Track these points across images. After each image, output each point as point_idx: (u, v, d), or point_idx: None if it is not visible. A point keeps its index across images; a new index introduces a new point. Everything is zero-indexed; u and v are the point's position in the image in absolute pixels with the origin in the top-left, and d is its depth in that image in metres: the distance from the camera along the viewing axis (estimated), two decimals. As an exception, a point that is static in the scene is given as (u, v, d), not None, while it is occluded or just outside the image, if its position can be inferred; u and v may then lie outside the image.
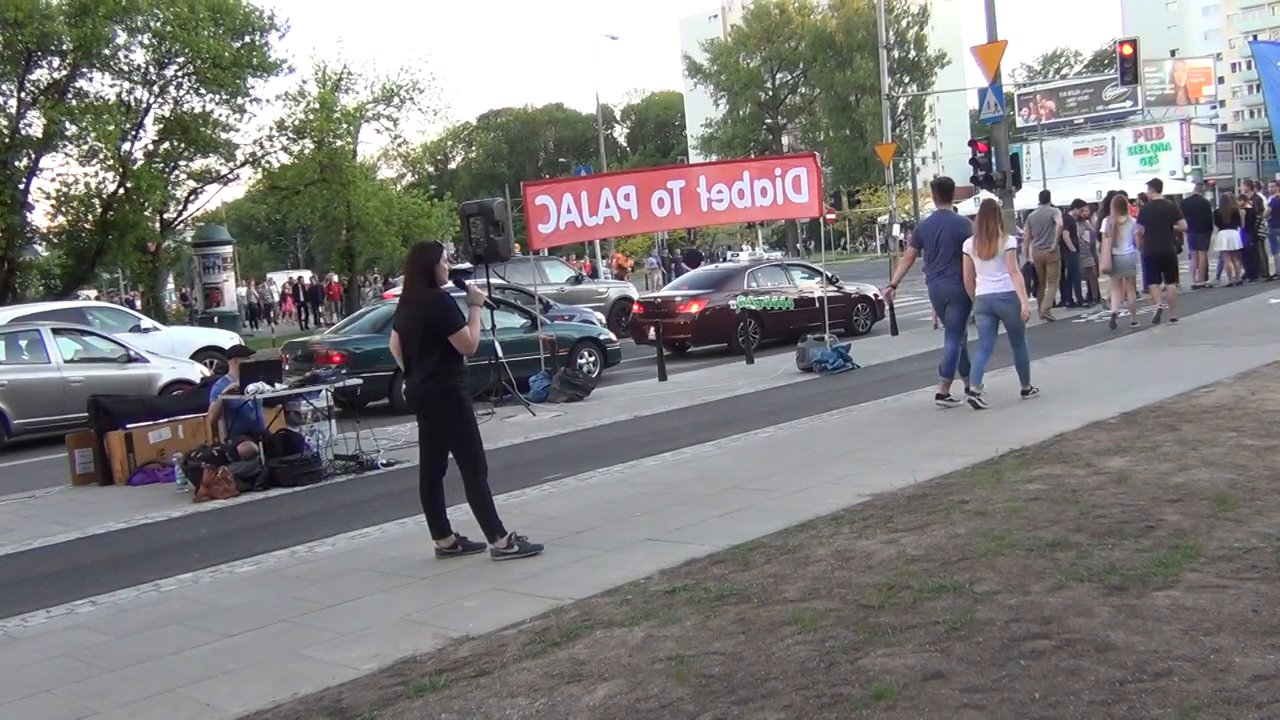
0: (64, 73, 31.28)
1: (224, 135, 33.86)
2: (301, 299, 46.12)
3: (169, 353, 17.44)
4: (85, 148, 31.44)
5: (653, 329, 17.79)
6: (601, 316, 21.82)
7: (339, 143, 36.06)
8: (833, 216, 75.33)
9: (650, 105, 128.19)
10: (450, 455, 6.93)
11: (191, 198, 35.60)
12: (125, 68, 32.42)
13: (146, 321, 20.41)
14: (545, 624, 5.40)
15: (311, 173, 35.13)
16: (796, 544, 6.32)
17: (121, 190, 31.68)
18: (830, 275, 20.73)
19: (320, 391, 11.21)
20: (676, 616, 5.26)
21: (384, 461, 10.78)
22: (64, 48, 30.07)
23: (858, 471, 8.21)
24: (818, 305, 17.91)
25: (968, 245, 10.46)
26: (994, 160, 21.67)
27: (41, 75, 31.21)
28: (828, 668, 4.41)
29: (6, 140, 30.33)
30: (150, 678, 5.26)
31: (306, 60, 64.30)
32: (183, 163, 34.10)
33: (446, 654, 5.14)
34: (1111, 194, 17.42)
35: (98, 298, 44.95)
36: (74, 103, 30.81)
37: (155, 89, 32.73)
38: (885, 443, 9.37)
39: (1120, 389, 10.61)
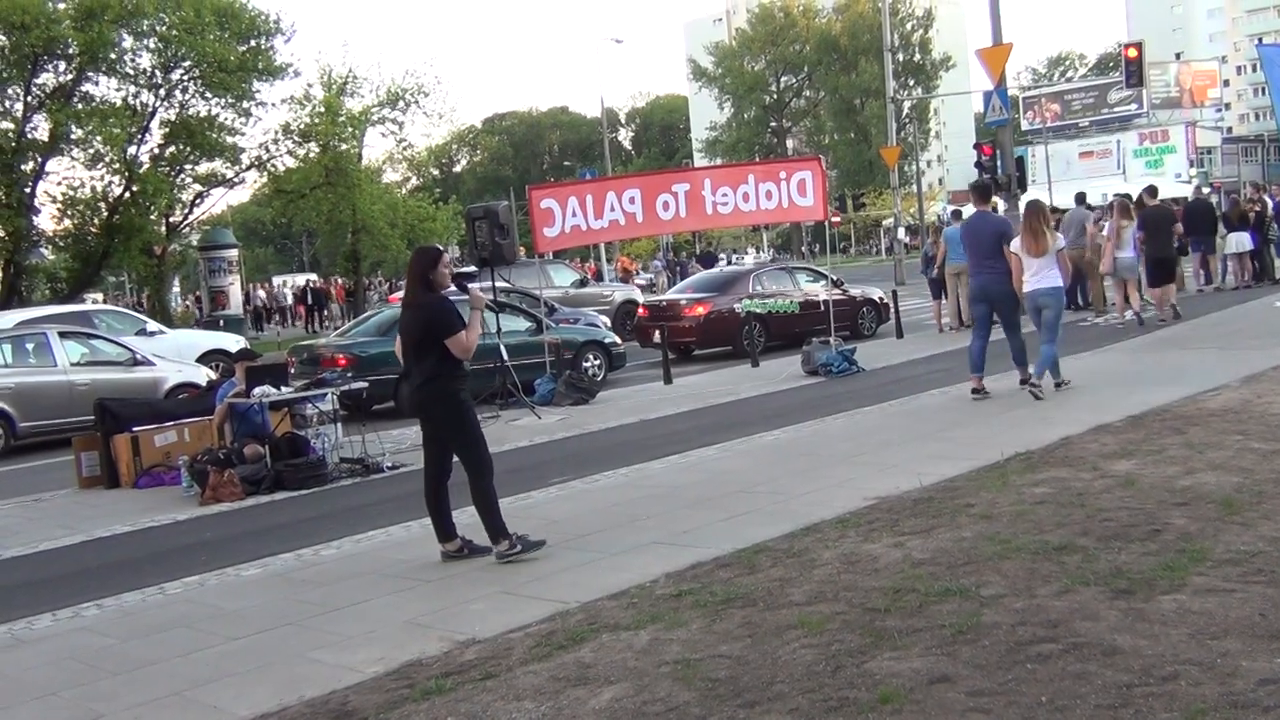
0: (70, 76, 31.34)
1: (229, 139, 33.91)
2: (309, 302, 46.19)
3: (175, 356, 17.45)
4: (91, 151, 31.49)
5: (658, 332, 17.80)
6: (606, 319, 21.83)
7: (344, 146, 36.09)
8: (838, 220, 75.28)
9: (655, 109, 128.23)
10: (455, 458, 6.94)
11: (197, 201, 35.65)
12: (131, 71, 32.49)
13: (152, 325, 20.44)
14: (551, 627, 5.40)
15: (317, 176, 35.18)
16: (802, 547, 6.31)
17: (127, 194, 31.72)
18: (835, 278, 20.71)
19: (326, 395, 11.23)
20: (683, 620, 5.26)
21: (389, 465, 10.79)
22: (70, 52, 30.12)
23: (863, 475, 8.20)
24: (823, 308, 17.91)
25: (1016, 244, 10.87)
26: (999, 163, 21.66)
27: (48, 79, 31.28)
28: (834, 671, 4.40)
29: (13, 144, 30.38)
30: (157, 681, 5.27)
31: (312, 64, 64.54)
32: (188, 166, 34.15)
33: (452, 657, 5.14)
34: (1116, 197, 17.55)
35: (103, 301, 44.99)
36: (80, 106, 30.87)
37: (161, 93, 32.79)
38: (890, 446, 9.36)
39: (1126, 392, 10.60)
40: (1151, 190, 18.85)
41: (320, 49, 72.62)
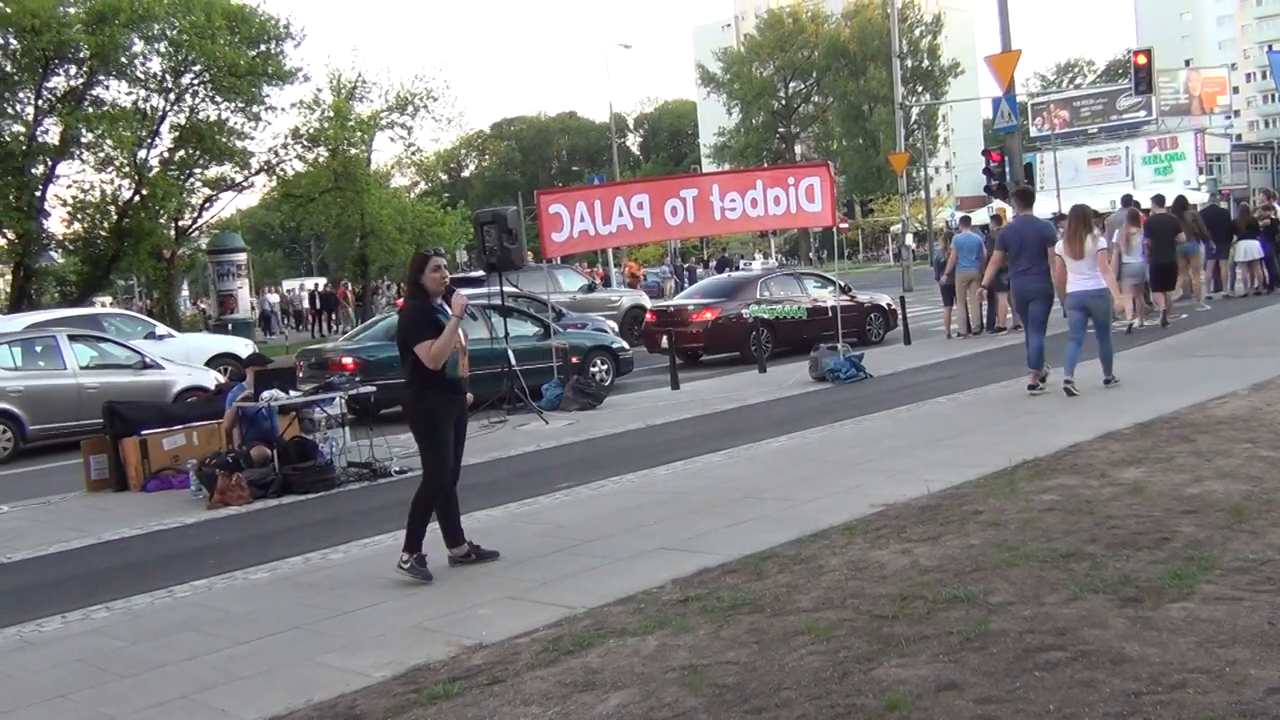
0: (81, 80, 31.47)
1: (239, 143, 34.04)
2: (317, 306, 46.31)
3: (184, 359, 17.50)
4: (101, 155, 31.63)
5: (665, 338, 17.80)
6: (614, 325, 21.83)
7: (353, 151, 36.21)
8: (846, 226, 75.26)
9: (663, 114, 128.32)
10: (460, 463, 6.95)
11: (206, 205, 35.78)
12: (142, 75, 32.64)
13: (161, 328, 20.49)
14: (558, 632, 5.40)
15: (326, 180, 35.29)
16: (809, 554, 6.31)
17: (137, 197, 31.84)
18: (843, 284, 20.71)
19: (334, 399, 11.25)
20: (689, 626, 5.26)
21: (397, 469, 10.80)
22: (81, 55, 30.26)
23: (870, 481, 8.19)
24: (831, 314, 17.90)
25: (1059, 247, 11.33)
26: (1007, 170, 21.68)
27: (59, 83, 31.41)
28: (841, 678, 4.40)
29: (24, 147, 30.51)
30: (165, 684, 5.28)
31: (321, 69, 64.83)
32: (198, 170, 34.28)
33: (460, 662, 5.15)
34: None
35: (113, 305, 45.12)
36: (90, 110, 30.98)
37: (171, 97, 32.93)
38: (898, 452, 9.35)
39: (1134, 399, 10.57)
40: (1159, 199, 19.08)
41: (330, 54, 73.39)
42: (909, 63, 73.54)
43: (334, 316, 45.15)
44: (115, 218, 32.18)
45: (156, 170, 32.23)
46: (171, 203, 31.99)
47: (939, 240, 23.12)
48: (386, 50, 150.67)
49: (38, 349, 15.49)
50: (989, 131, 65.21)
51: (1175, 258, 17.70)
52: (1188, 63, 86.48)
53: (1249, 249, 21.42)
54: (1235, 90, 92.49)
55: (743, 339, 19.04)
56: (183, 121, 33.20)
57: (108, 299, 48.06)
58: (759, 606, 5.44)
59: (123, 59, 31.20)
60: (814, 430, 11.07)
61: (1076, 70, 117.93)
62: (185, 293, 51.80)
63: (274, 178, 36.55)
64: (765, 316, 18.56)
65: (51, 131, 31.36)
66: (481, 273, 20.82)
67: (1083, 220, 11.32)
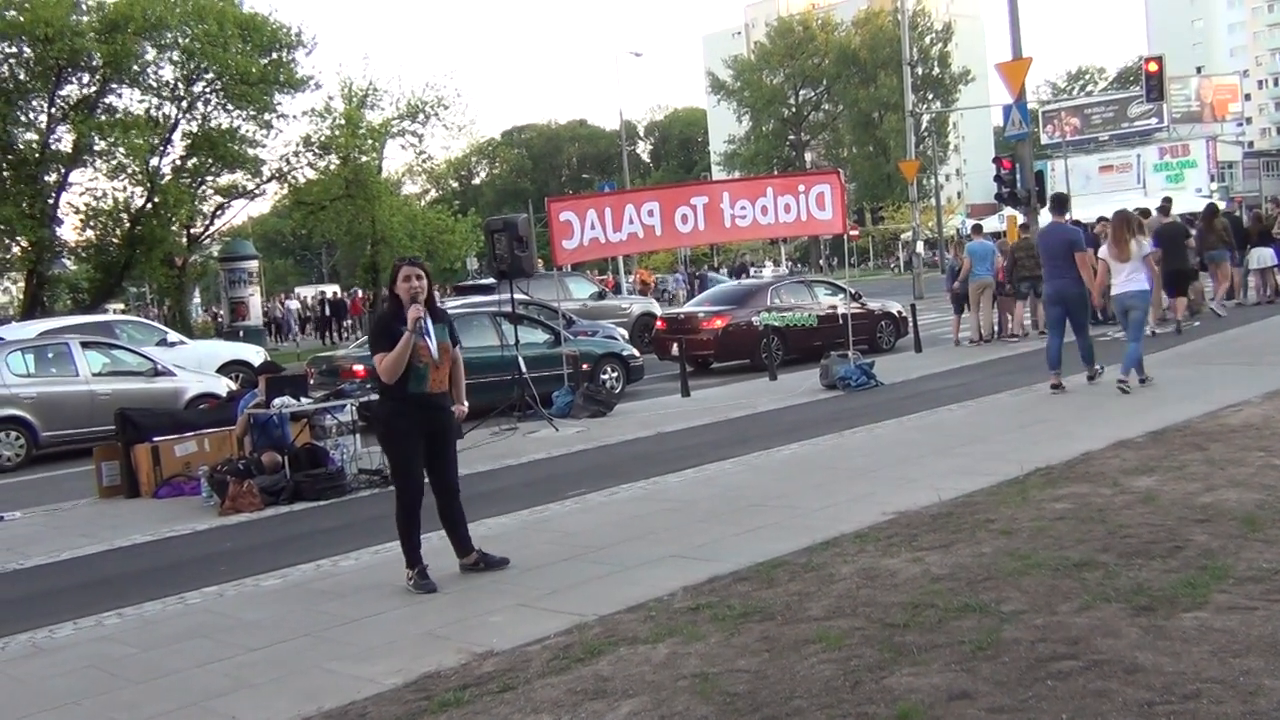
0: (94, 88, 31.63)
1: (250, 151, 34.17)
2: (327, 314, 46.46)
3: (195, 366, 17.57)
4: (114, 163, 31.78)
5: (676, 345, 17.79)
6: (624, 332, 21.86)
7: (364, 158, 36.30)
8: (856, 233, 75.22)
9: (673, 121, 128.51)
10: (452, 475, 6.85)
11: (218, 213, 35.95)
12: (154, 84, 32.78)
13: (173, 335, 20.56)
14: (569, 640, 5.39)
15: (337, 188, 35.40)
16: (820, 562, 6.30)
17: (149, 205, 31.98)
18: (854, 292, 20.69)
19: (345, 406, 11.27)
20: (700, 634, 5.25)
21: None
22: (94, 64, 30.41)
23: (882, 489, 8.18)
24: (841, 322, 17.88)
25: (1103, 250, 11.90)
26: (1019, 177, 21.63)
27: (71, 91, 31.59)
28: (853, 687, 4.39)
29: (37, 155, 30.68)
30: (176, 690, 5.29)
31: (333, 77, 64.99)
32: (209, 178, 34.43)
33: (470, 669, 5.14)
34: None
35: (125, 312, 45.30)
36: (103, 118, 31.13)
37: (183, 105, 33.07)
38: (909, 460, 9.33)
39: (1147, 407, 10.54)
40: (1165, 208, 19.13)
41: (341, 62, 73.67)
42: (919, 70, 73.42)
43: (344, 324, 45.27)
44: (127, 225, 32.33)
45: (168, 178, 32.36)
46: (183, 210, 32.11)
47: (949, 248, 23.13)
48: (398, 58, 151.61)
49: (50, 356, 15.56)
50: (1000, 139, 64.97)
51: (1187, 264, 17.71)
52: (1199, 70, 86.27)
53: (1262, 256, 21.35)
54: (1247, 97, 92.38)
55: (753, 346, 19.02)
56: (195, 129, 33.36)
57: (120, 306, 48.21)
58: (770, 614, 5.42)
59: (135, 67, 31.35)
60: (825, 438, 11.05)
61: (1088, 77, 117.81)
62: (197, 300, 51.97)
63: (285, 185, 36.70)
64: (776, 324, 18.54)
65: (64, 139, 31.55)
66: (492, 280, 20.87)
67: (1127, 224, 11.67)
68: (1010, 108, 21.77)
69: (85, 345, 15.72)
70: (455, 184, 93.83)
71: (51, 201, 31.24)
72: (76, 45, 28.91)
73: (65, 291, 34.57)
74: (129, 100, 32.79)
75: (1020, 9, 21.64)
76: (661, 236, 16.28)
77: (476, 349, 14.59)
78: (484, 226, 18.61)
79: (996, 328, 19.51)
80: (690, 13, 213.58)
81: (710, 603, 5.72)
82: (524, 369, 14.23)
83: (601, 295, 26.86)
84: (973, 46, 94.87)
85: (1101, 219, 21.09)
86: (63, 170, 31.57)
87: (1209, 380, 12.10)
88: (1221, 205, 31.80)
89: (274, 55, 33.45)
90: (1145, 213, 18.52)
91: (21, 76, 30.33)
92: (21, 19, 28.45)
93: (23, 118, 31.04)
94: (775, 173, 66.35)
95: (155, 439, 11.44)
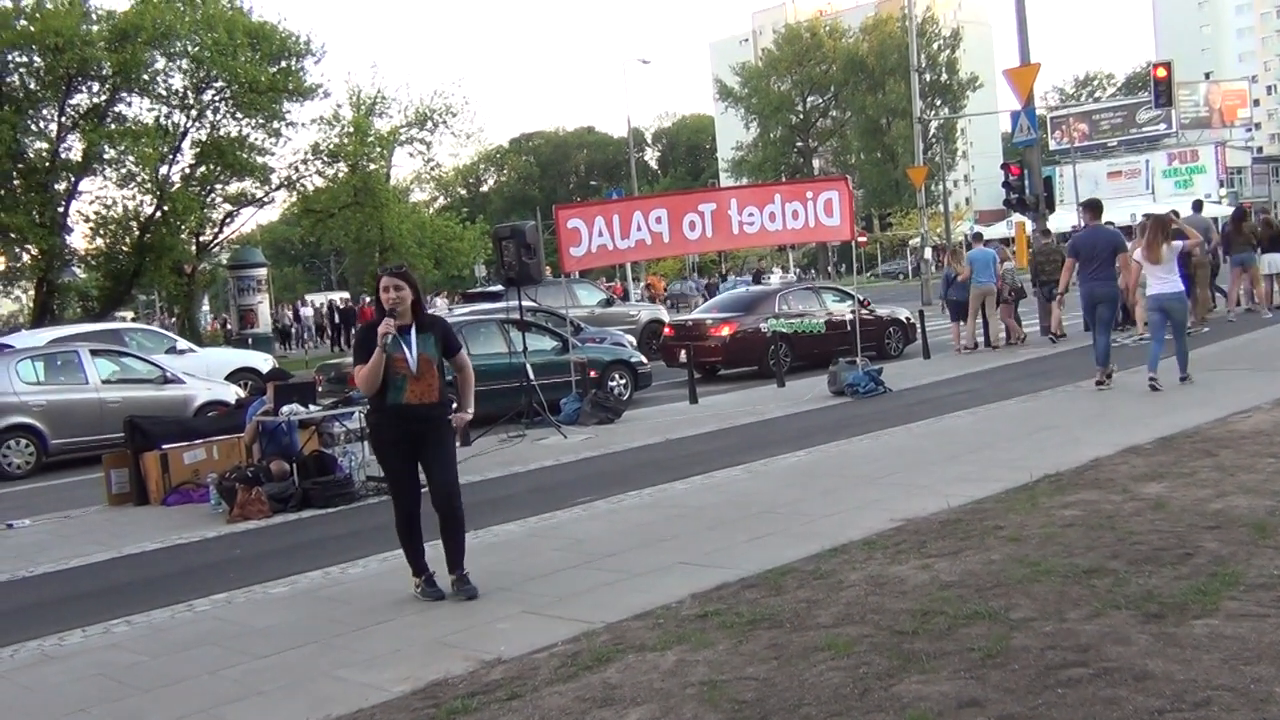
0: (103, 97, 31.78)
1: (259, 159, 34.31)
2: (336, 321, 46.55)
3: (204, 374, 17.59)
4: (123, 171, 31.93)
5: (684, 352, 17.79)
6: (632, 339, 21.84)
7: (373, 166, 36.43)
8: (864, 239, 75.18)
9: (681, 128, 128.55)
10: (444, 486, 6.63)
11: (227, 220, 36.09)
12: (164, 92, 32.93)
13: (182, 343, 20.61)
14: (577, 647, 5.39)
15: (345, 196, 35.51)
16: (829, 569, 6.28)
17: (158, 213, 32.10)
18: (862, 298, 20.67)
19: (353, 413, 11.28)
20: (709, 641, 5.24)
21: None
22: (104, 73, 30.55)
23: (890, 496, 8.16)
24: (849, 328, 17.85)
25: (1138, 253, 12.17)
26: (1027, 183, 21.58)
27: (81, 100, 31.73)
28: (861, 694, 4.37)
29: (47, 164, 30.82)
30: (185, 698, 5.30)
31: (341, 85, 65.15)
32: (219, 186, 34.57)
33: (478, 677, 5.14)
34: (1147, 216, 17.65)
35: (134, 319, 45.44)
36: (113, 127, 31.28)
37: (193, 113, 33.21)
38: (917, 467, 9.31)
39: (1156, 414, 10.51)
40: (1175, 213, 19.18)
41: (350, 70, 74.00)
42: (927, 77, 73.48)
43: (353, 331, 45.34)
44: (137, 233, 32.46)
45: (178, 186, 32.50)
46: (192, 218, 32.26)
47: (941, 256, 23.16)
48: (406, 66, 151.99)
49: (60, 364, 15.60)
50: (1008, 145, 64.97)
51: (1192, 268, 17.72)
52: (1208, 75, 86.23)
53: (1273, 262, 21.27)
54: (1256, 103, 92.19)
55: (761, 353, 19.01)
56: (204, 137, 33.49)
57: (129, 314, 48.37)
58: (778, 622, 5.41)
59: (145, 76, 31.50)
60: (833, 445, 11.04)
61: (1096, 83, 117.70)
62: (206, 308, 52.11)
63: (294, 193, 36.82)
64: (783, 330, 18.52)
65: (74, 148, 31.70)
66: (500, 287, 20.88)
67: (1161, 228, 11.96)
68: (1018, 114, 21.74)
69: (94, 353, 15.75)
70: (463, 191, 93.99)
71: (61, 210, 31.39)
72: (87, 54, 29.05)
73: (75, 299, 34.70)
74: (139, 109, 33.04)
75: (1028, 15, 21.64)
76: (669, 243, 16.27)
77: (484, 356, 14.61)
78: (492, 234, 18.65)
79: (1004, 334, 19.48)
80: (698, 20, 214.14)
81: (718, 610, 5.71)
82: (532, 376, 14.23)
83: (609, 302, 26.86)
84: (981, 52, 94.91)
85: (1146, 216, 21.27)
86: (73, 179, 31.71)
87: (1218, 386, 12.06)
88: (1229, 211, 31.76)
89: (283, 63, 33.58)
90: (1176, 214, 18.73)
91: (32, 86, 30.50)
92: (32, 29, 28.62)
93: (33, 126, 31.21)
94: (783, 179, 66.32)
95: (164, 446, 11.46)
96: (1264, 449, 8.35)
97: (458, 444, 7.27)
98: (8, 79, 30.06)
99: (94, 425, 14.74)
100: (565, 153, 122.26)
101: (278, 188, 36.03)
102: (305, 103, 34.66)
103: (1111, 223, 18.59)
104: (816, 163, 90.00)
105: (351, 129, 35.63)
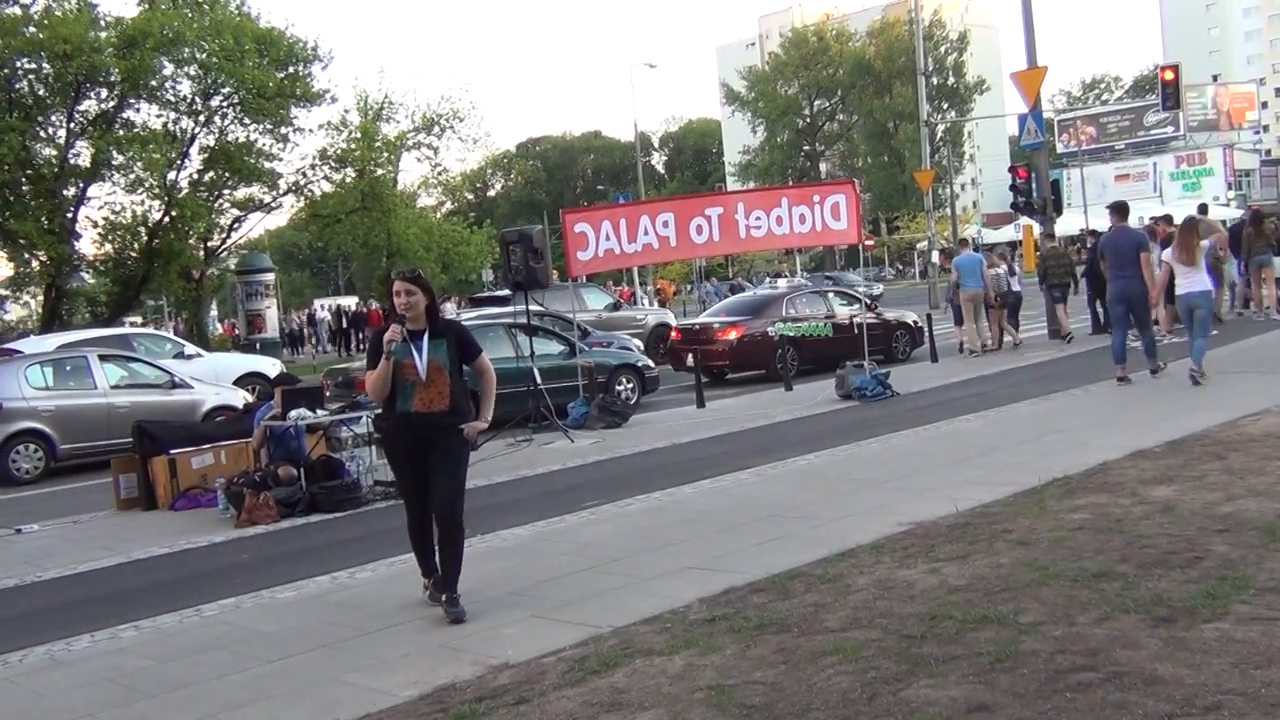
0: (112, 104, 31.83)
1: (267, 164, 34.34)
2: (345, 325, 46.66)
3: (212, 379, 17.63)
4: (132, 177, 31.95)
5: (691, 356, 17.78)
6: (640, 343, 21.84)
7: (380, 171, 36.47)
8: (871, 243, 75.11)
9: (688, 132, 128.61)
10: (446, 494, 6.45)
11: (235, 226, 36.11)
12: (171, 98, 32.99)
13: (190, 348, 20.64)
14: (584, 652, 5.38)
15: (353, 201, 35.57)
16: (837, 573, 6.27)
17: (166, 219, 32.16)
18: (869, 301, 20.64)
19: (361, 418, 11.29)
20: (716, 645, 5.23)
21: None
22: (112, 79, 30.61)
23: (898, 499, 8.14)
24: (856, 332, 17.84)
25: (1168, 254, 12.82)
26: (1034, 186, 21.56)
27: (90, 106, 31.79)
28: (870, 699, 4.36)
29: (55, 170, 30.88)
30: (193, 703, 5.30)
31: (349, 90, 65.21)
32: (226, 191, 34.62)
33: (486, 681, 5.14)
34: (1155, 219, 17.71)
35: (142, 325, 45.54)
36: (121, 133, 31.32)
37: (200, 119, 33.27)
38: (926, 471, 9.30)
39: (1165, 417, 10.48)
40: (1168, 218, 19.36)
41: (357, 75, 74.01)
42: (934, 80, 73.36)
43: (362, 336, 45.41)
44: (145, 239, 32.52)
45: (186, 191, 32.55)
46: (200, 224, 32.29)
47: (940, 260, 23.17)
48: (413, 71, 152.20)
49: (68, 369, 15.63)
50: (1015, 148, 64.85)
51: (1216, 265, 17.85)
52: (1215, 78, 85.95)
53: (1281, 264, 21.23)
54: (1264, 105, 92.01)
55: (768, 357, 18.99)
56: (212, 143, 33.56)
57: (138, 319, 48.47)
58: (786, 626, 5.40)
59: (153, 82, 31.54)
60: (841, 448, 11.02)
61: (1103, 86, 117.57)
62: (214, 313, 52.20)
63: (302, 198, 36.90)
64: (791, 334, 18.51)
65: (83, 154, 31.77)
66: (507, 291, 20.89)
67: (1194, 231, 12.55)
68: (1026, 117, 21.70)
69: (103, 358, 15.79)
70: (470, 196, 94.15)
71: (70, 216, 31.44)
72: (95, 61, 29.11)
73: (84, 305, 34.75)
74: (147, 115, 33.06)
75: (1035, 18, 21.60)
76: (676, 247, 16.26)
77: (492, 360, 14.56)
78: (499, 238, 18.64)
79: (988, 339, 19.54)
80: (704, 24, 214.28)
81: (726, 614, 5.70)
82: (539, 380, 14.23)
83: (616, 306, 26.87)
84: (988, 56, 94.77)
85: (1154, 219, 21.32)
86: (81, 185, 31.78)
87: (1227, 389, 12.02)
88: (1238, 213, 31.75)
89: (290, 69, 33.62)
90: (1204, 207, 19.08)
91: (41, 92, 30.56)
92: (41, 35, 28.68)
93: (42, 133, 31.29)
94: (790, 183, 66.28)
95: (172, 451, 11.47)
96: (1274, 452, 8.32)
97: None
98: (16, 86, 30.13)
99: (102, 430, 14.78)
100: (572, 157, 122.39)
101: (285, 193, 36.10)
102: (313, 108, 34.70)
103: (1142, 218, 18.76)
104: (823, 166, 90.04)
105: (359, 134, 35.69)
